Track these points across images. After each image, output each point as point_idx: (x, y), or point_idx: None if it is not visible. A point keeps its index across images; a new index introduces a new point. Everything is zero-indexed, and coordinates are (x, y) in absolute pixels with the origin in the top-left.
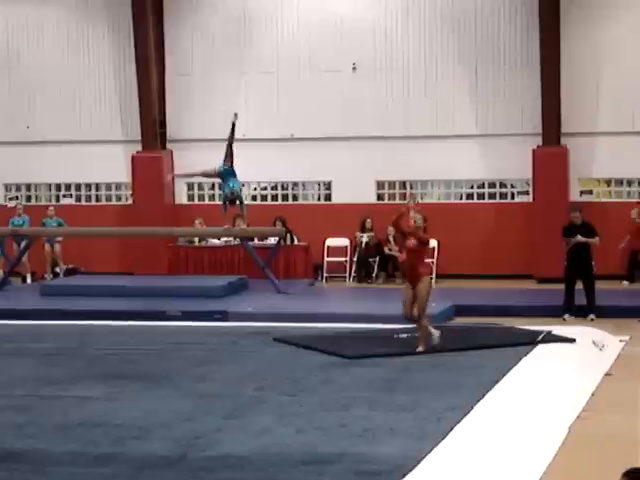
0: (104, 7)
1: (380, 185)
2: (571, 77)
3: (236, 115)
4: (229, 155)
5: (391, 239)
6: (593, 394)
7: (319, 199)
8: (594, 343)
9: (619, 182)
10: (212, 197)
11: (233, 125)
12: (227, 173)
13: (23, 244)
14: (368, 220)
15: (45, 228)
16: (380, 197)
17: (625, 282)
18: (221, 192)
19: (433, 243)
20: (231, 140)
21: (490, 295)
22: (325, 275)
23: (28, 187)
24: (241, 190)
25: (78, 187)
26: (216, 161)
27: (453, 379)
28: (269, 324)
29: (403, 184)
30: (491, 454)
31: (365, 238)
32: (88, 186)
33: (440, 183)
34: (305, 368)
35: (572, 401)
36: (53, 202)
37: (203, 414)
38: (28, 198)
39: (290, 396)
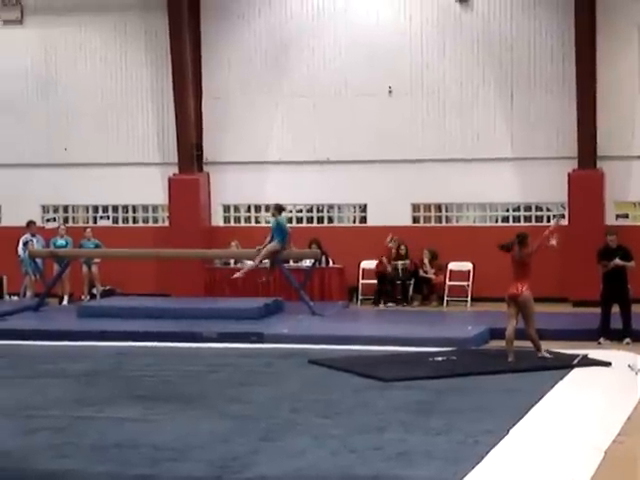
0: (142, 30)
1: (415, 208)
2: (607, 100)
3: None
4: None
5: (426, 261)
6: (629, 418)
7: (354, 221)
8: (630, 367)
9: None
10: (248, 219)
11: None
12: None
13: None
14: (402, 247)
15: (82, 249)
16: (415, 220)
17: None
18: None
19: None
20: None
21: None
22: (360, 297)
23: (65, 209)
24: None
25: (115, 209)
26: (252, 184)
27: (489, 402)
28: (304, 346)
29: (438, 207)
30: (527, 478)
31: (400, 266)
32: (125, 208)
33: (475, 206)
34: (340, 390)
35: (608, 425)
36: (90, 224)
37: (238, 436)
38: (65, 219)
39: (325, 418)
